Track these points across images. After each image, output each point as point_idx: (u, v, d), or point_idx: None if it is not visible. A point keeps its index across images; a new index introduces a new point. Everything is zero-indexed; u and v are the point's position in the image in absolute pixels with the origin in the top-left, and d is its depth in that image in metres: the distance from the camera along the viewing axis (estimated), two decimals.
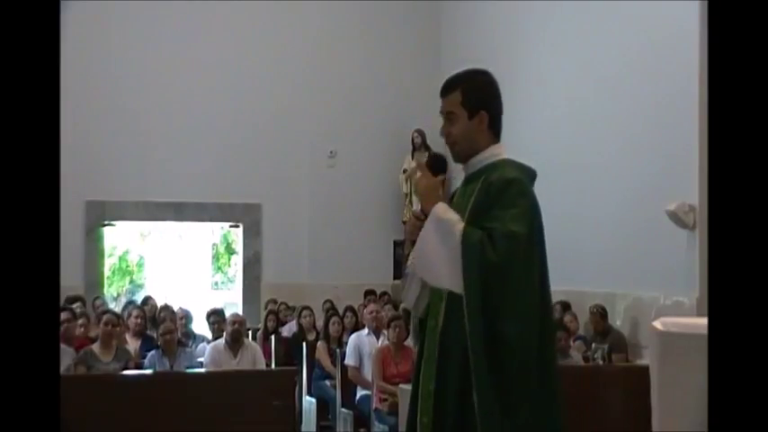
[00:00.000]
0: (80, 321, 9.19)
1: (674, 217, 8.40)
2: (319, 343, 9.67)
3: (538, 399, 3.14)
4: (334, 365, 9.22)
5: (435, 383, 3.29)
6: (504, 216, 3.15)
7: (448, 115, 3.35)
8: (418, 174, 3.45)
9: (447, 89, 3.37)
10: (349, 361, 8.85)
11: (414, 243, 3.31)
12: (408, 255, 3.48)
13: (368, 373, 8.59)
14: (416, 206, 3.56)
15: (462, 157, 3.38)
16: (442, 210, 3.24)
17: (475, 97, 3.32)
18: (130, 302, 12.11)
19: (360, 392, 8.76)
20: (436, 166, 3.66)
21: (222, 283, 17.79)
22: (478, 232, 3.15)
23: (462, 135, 3.33)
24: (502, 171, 3.26)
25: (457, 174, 3.55)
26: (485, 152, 3.34)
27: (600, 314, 9.21)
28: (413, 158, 13.26)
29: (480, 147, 3.34)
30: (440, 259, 3.19)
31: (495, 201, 3.20)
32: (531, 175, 3.35)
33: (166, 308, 10.69)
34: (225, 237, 16.93)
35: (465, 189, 3.37)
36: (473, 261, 3.10)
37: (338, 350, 9.20)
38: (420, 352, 3.45)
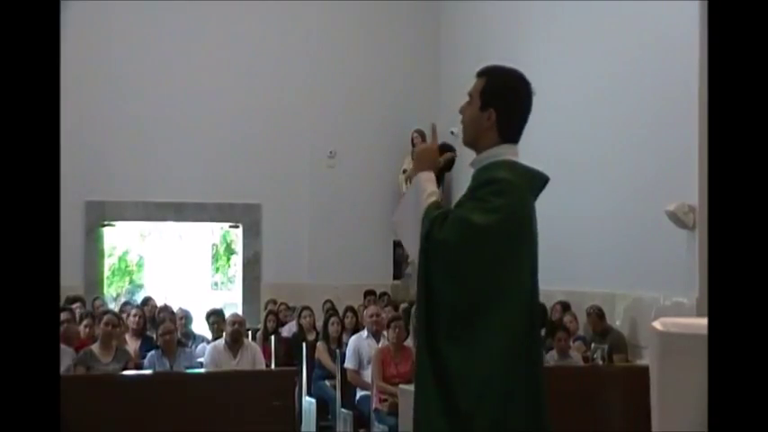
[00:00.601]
0: (85, 321, 9.21)
1: (674, 217, 8.40)
2: (319, 343, 9.67)
3: (503, 390, 3.12)
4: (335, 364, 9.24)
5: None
6: (469, 207, 3.21)
7: (469, 96, 3.38)
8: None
9: (479, 73, 3.41)
10: (348, 364, 8.84)
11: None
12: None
13: (367, 376, 8.59)
14: None
15: (466, 141, 3.41)
16: (424, 177, 3.35)
17: (493, 92, 3.32)
18: (127, 303, 12.12)
19: (360, 393, 8.76)
20: (445, 146, 3.65)
21: (222, 283, 17.79)
22: (438, 211, 3.24)
23: (469, 120, 3.36)
24: (493, 171, 3.26)
25: (461, 174, 3.55)
26: (489, 151, 3.33)
27: (596, 315, 9.20)
28: (413, 159, 13.25)
29: (484, 143, 3.33)
30: (408, 224, 3.31)
31: (471, 196, 3.25)
32: (533, 179, 3.33)
33: (166, 308, 10.70)
34: (225, 237, 16.93)
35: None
36: (423, 234, 3.21)
37: (338, 350, 9.21)
38: None
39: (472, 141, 3.37)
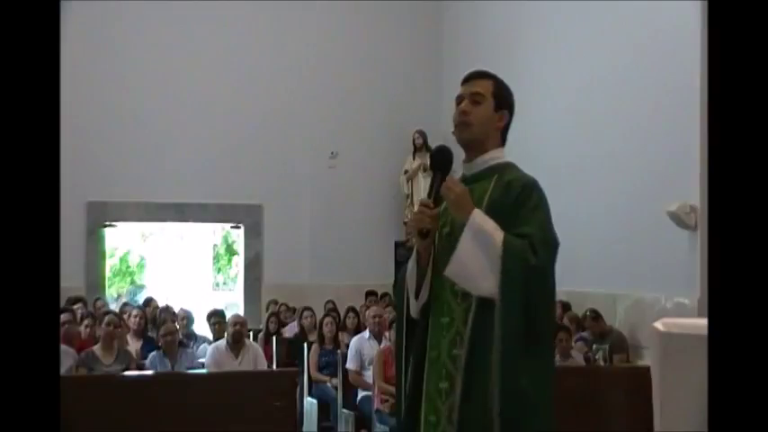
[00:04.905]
0: (86, 322, 9.23)
1: (676, 218, 8.40)
2: (314, 345, 9.65)
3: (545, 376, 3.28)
4: (323, 370, 9.24)
5: (448, 382, 3.24)
6: (534, 222, 3.22)
7: (474, 96, 3.34)
8: (448, 185, 3.32)
9: (480, 75, 3.41)
10: (350, 365, 8.84)
11: (421, 232, 3.27)
12: (415, 248, 3.39)
13: (369, 376, 8.58)
14: (417, 207, 3.40)
15: (469, 142, 3.35)
16: (480, 218, 3.20)
17: (504, 95, 3.40)
18: (126, 304, 12.13)
19: (361, 393, 8.76)
20: (439, 159, 3.38)
21: (223, 283, 17.81)
22: (519, 240, 3.18)
23: (482, 120, 3.33)
24: (516, 173, 3.30)
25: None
26: (490, 153, 3.35)
27: (592, 318, 9.19)
28: (414, 159, 13.27)
29: (488, 144, 3.35)
30: (480, 268, 3.17)
31: (521, 204, 3.23)
32: None
33: (167, 309, 10.71)
34: (226, 237, 16.95)
35: (472, 188, 3.30)
36: (517, 268, 3.13)
37: (337, 351, 9.21)
38: (421, 351, 3.40)
39: (480, 140, 3.34)
